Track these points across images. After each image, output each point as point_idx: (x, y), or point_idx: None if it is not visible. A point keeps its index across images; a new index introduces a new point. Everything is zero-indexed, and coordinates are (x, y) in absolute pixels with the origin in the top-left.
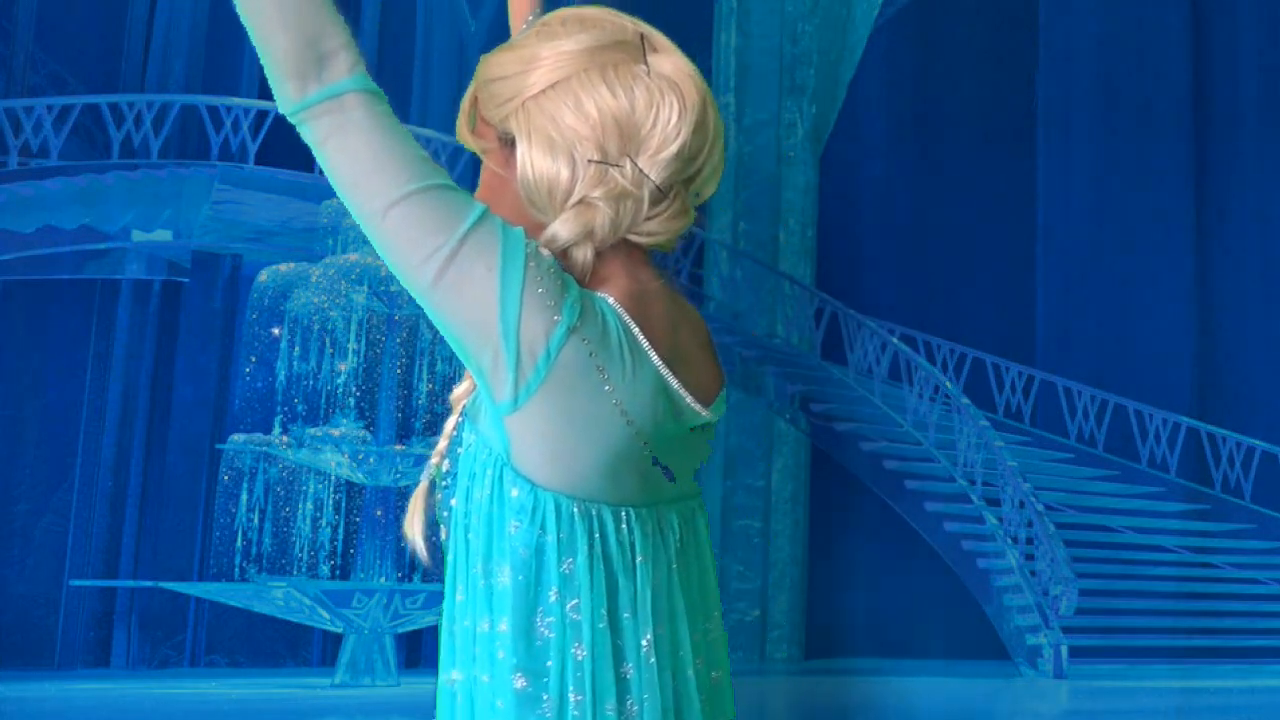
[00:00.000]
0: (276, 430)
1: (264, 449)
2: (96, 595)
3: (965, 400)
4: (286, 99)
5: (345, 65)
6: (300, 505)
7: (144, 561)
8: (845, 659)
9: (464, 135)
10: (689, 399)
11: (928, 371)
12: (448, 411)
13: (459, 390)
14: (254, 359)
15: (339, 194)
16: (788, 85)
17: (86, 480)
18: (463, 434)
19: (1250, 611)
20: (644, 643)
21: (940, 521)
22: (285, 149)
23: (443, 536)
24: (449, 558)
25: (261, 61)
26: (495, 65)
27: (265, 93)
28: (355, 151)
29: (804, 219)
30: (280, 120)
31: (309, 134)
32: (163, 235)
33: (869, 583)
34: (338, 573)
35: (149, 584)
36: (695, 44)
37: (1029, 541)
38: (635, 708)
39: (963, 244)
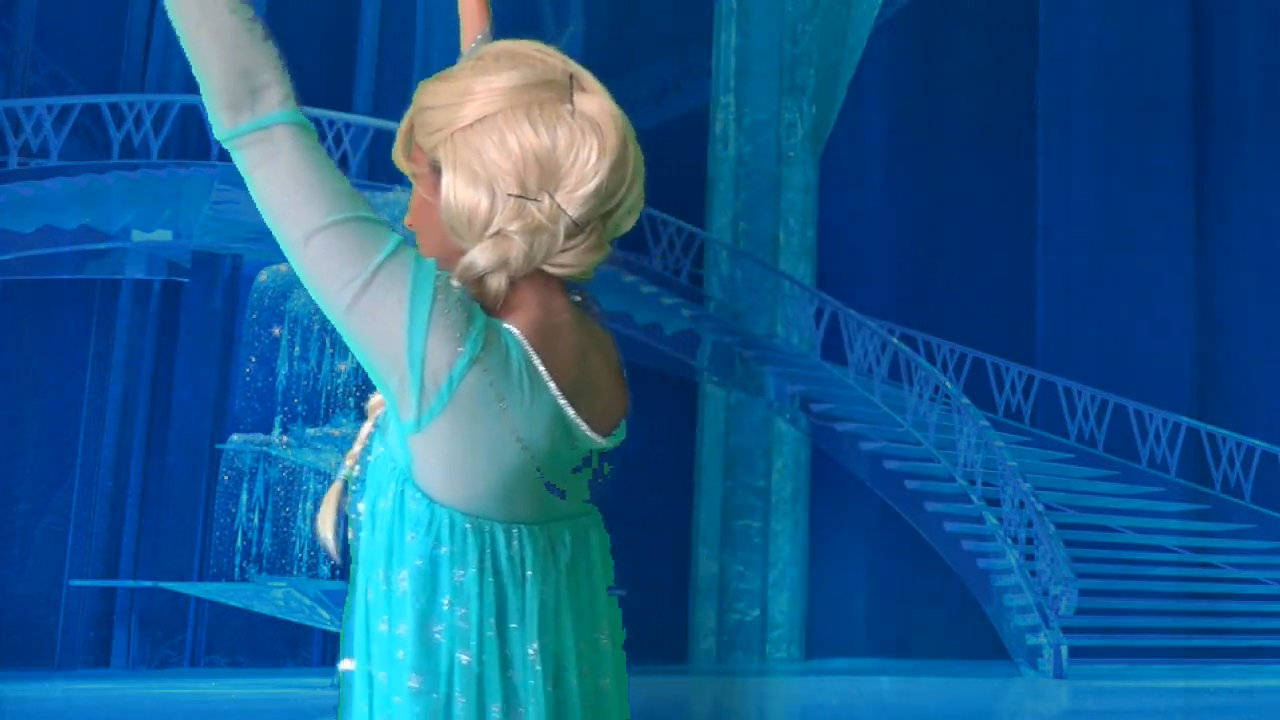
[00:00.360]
0: (276, 430)
1: (264, 449)
2: (96, 595)
3: (965, 400)
4: (220, 127)
5: (276, 98)
6: (300, 505)
7: (144, 561)
8: (845, 659)
9: (399, 159)
10: (584, 427)
11: (928, 371)
12: None
13: (375, 399)
14: (254, 359)
15: (266, 219)
16: (788, 85)
17: (86, 480)
18: (374, 443)
19: (1250, 611)
20: (530, 651)
21: (940, 521)
22: None
23: (350, 536)
24: (355, 557)
25: (200, 89)
26: (430, 95)
27: None
28: (282, 181)
29: (804, 219)
30: None
31: (240, 161)
32: (163, 235)
33: (869, 583)
34: (338, 573)
35: (149, 584)
36: (695, 44)
37: (1029, 541)
38: (521, 710)
39: (963, 244)
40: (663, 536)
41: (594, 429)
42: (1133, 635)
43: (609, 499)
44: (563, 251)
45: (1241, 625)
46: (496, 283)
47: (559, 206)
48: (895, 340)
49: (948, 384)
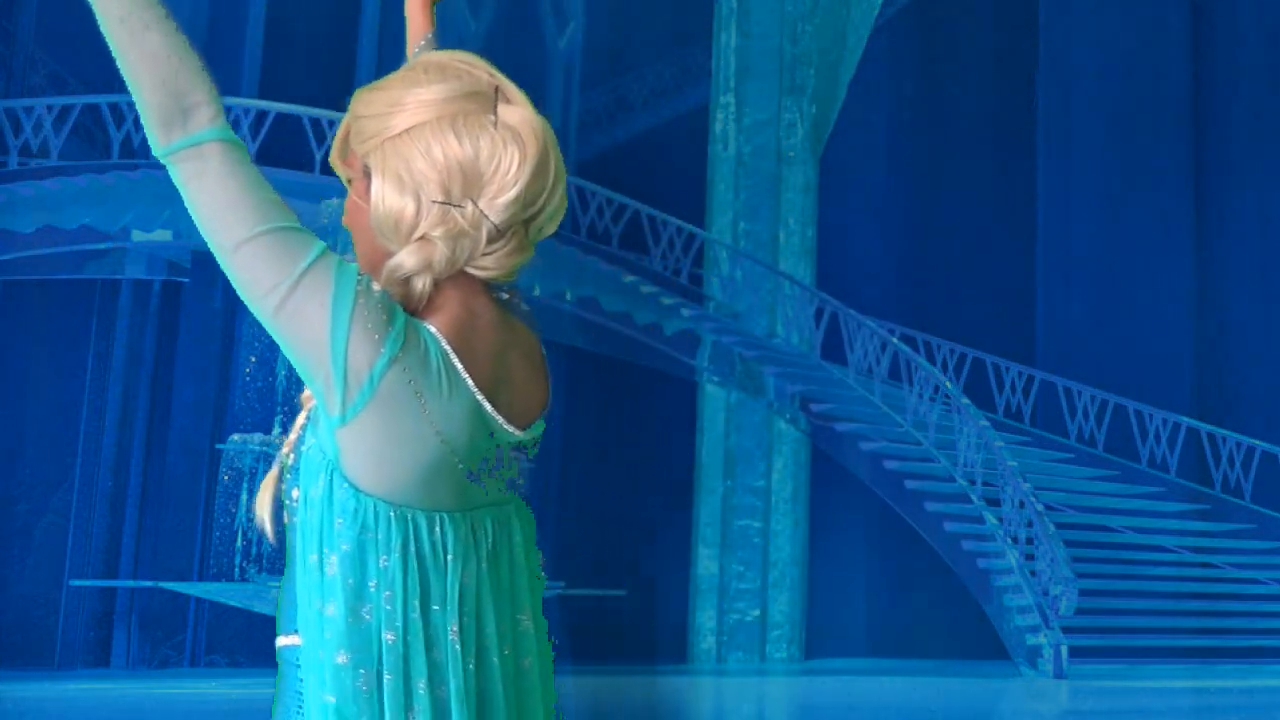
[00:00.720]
0: (276, 430)
1: (264, 449)
2: (96, 595)
3: (965, 400)
4: (155, 144)
5: (207, 117)
6: None
7: (144, 561)
8: (845, 659)
9: (336, 163)
10: (501, 421)
11: (928, 371)
12: None
13: (307, 393)
14: (254, 359)
15: (199, 229)
16: (788, 85)
17: (86, 480)
18: (307, 434)
19: (1250, 611)
20: (452, 632)
21: (940, 521)
22: (285, 149)
23: (285, 521)
24: (290, 541)
25: (137, 108)
26: (364, 104)
27: (265, 92)
28: (213, 194)
29: (804, 219)
30: (280, 120)
31: (174, 175)
32: (163, 235)
33: (869, 583)
34: None
35: (149, 584)
36: (695, 44)
37: (1029, 541)
38: (444, 689)
39: (963, 244)
40: (663, 536)
41: (512, 423)
42: (1133, 635)
43: (610, 499)
44: (485, 255)
45: (1241, 625)
46: (421, 284)
47: (481, 213)
48: (895, 340)
49: (948, 384)
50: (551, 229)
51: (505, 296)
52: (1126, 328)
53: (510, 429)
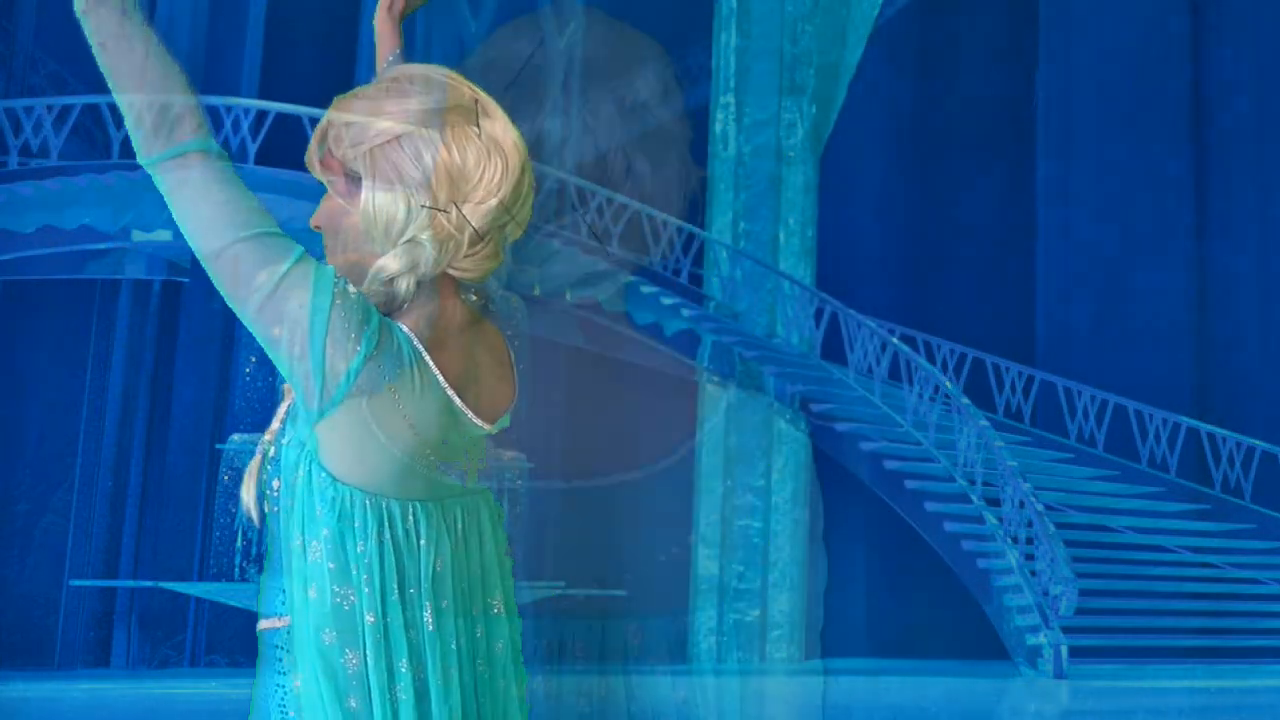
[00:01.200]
0: None
1: None
2: (96, 595)
3: (965, 400)
4: (141, 154)
5: (190, 128)
6: None
7: (144, 561)
8: (845, 659)
9: (312, 164)
10: (470, 415)
11: (928, 371)
12: None
13: (289, 385)
14: (254, 359)
15: (184, 234)
16: (788, 85)
17: (86, 480)
18: (287, 426)
19: (1250, 611)
20: (426, 614)
21: (940, 521)
22: (285, 149)
23: (267, 510)
24: (272, 529)
25: (123, 120)
26: (350, 111)
27: (265, 93)
28: (196, 202)
29: (804, 219)
30: (280, 120)
31: (160, 183)
32: (163, 235)
33: (869, 583)
34: None
35: (149, 584)
36: (695, 44)
37: (1029, 541)
38: (423, 669)
39: (963, 244)
40: (663, 536)
41: (480, 417)
42: (1133, 635)
43: (610, 499)
44: (466, 258)
45: (1241, 625)
46: (405, 284)
47: (464, 218)
48: (895, 340)
49: (948, 384)
50: (516, 235)
51: (473, 298)
52: (1126, 328)
53: (479, 422)
